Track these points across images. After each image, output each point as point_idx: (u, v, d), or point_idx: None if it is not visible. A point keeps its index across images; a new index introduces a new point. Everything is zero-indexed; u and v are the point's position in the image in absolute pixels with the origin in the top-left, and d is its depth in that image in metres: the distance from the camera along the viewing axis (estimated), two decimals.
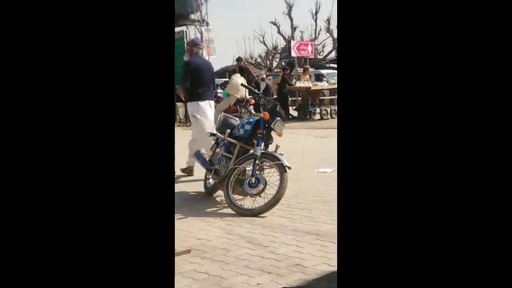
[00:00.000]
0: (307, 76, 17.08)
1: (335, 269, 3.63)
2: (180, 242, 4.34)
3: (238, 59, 17.72)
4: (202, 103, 7.20)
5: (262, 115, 5.72)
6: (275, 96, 15.71)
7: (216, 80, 9.35)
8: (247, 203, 5.41)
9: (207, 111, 7.26)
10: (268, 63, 33.33)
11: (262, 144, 5.55)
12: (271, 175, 5.47)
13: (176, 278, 3.65)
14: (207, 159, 6.27)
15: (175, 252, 4.09)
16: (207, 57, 18.02)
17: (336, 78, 20.75)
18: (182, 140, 7.76)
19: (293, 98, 17.17)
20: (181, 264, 3.93)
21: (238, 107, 10.44)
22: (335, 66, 27.45)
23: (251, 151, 5.55)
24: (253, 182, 5.40)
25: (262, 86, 16.16)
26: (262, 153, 5.46)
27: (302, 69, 17.81)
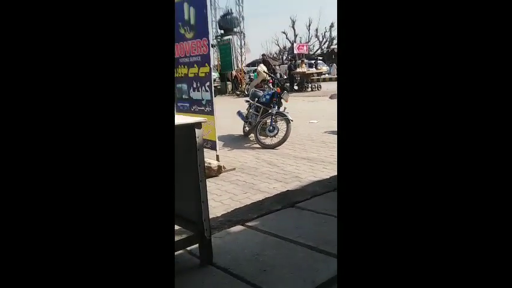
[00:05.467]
0: (304, 65, 16.83)
1: (319, 179, 3.69)
2: (229, 163, 4.41)
3: (263, 55, 17.44)
4: None
5: (276, 89, 5.74)
6: (285, 77, 15.51)
7: (249, 68, 9.40)
8: (268, 141, 5.42)
9: None
10: (280, 57, 32.57)
11: (276, 107, 5.59)
12: (281, 124, 5.48)
13: (225, 183, 3.74)
14: (244, 115, 6.29)
15: (226, 169, 4.18)
16: (246, 54, 17.95)
17: (320, 66, 20.40)
18: (232, 104, 7.72)
19: (296, 78, 16.90)
20: (229, 176, 4.00)
21: (262, 84, 10.38)
22: (320, 58, 26.88)
23: (270, 111, 5.54)
24: (271, 129, 5.45)
25: (277, 71, 15.91)
26: (276, 112, 5.47)
27: (300, 61, 17.43)
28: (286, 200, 2.99)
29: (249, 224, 2.55)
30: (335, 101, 3.62)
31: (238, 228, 2.50)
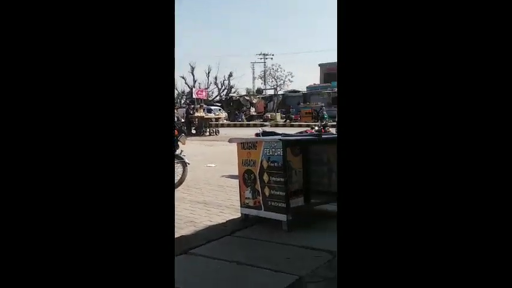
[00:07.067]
0: (202, 109, 17.12)
1: (215, 223, 3.58)
2: None
3: None
4: None
5: (173, 131, 5.67)
6: (183, 121, 15.46)
7: None
8: None
9: None
10: (178, 101, 32.64)
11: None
12: (177, 167, 5.32)
13: None
14: None
15: None
16: None
17: (217, 112, 20.94)
18: None
19: (194, 122, 17.00)
20: None
21: None
22: (218, 104, 27.70)
23: None
24: None
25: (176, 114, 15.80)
26: None
27: (199, 105, 17.69)
28: (179, 247, 2.80)
29: None
30: (233, 146, 3.67)
31: None
